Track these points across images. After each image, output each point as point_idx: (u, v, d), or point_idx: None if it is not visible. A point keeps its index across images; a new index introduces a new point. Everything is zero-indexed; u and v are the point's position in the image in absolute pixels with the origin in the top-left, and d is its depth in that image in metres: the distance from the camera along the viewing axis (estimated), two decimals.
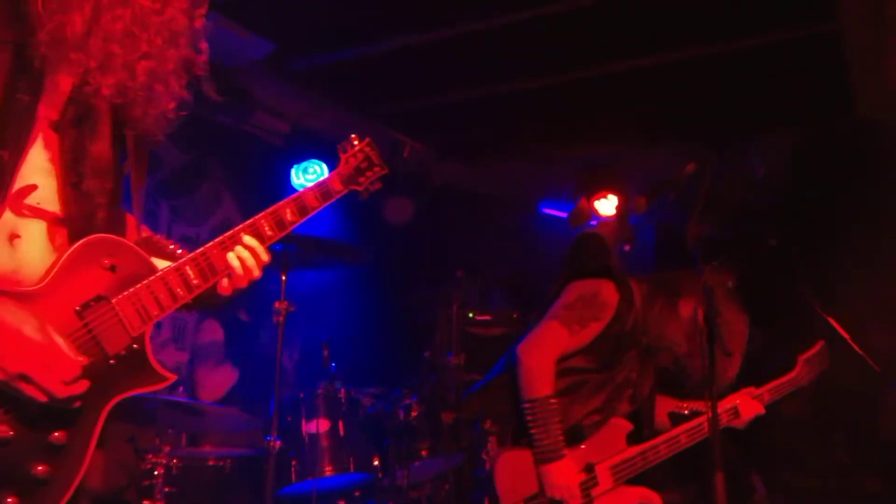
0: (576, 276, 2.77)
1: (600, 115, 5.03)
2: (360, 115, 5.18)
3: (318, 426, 3.59)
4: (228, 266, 1.51)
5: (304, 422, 3.62)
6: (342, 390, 3.72)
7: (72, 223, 1.36)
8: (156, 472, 3.44)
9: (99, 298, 1.35)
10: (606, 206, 5.33)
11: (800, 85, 4.57)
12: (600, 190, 5.33)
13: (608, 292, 2.70)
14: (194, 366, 4.73)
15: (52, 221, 1.35)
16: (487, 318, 4.39)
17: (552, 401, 2.51)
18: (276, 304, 3.55)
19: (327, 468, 3.51)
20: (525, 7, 3.99)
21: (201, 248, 1.50)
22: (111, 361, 1.36)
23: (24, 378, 1.22)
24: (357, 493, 3.79)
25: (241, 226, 1.56)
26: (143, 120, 1.45)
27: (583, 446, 2.56)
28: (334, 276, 4.93)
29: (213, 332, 4.76)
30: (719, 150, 4.66)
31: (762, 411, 2.94)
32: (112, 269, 1.37)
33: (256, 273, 1.57)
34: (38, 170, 1.33)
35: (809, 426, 4.69)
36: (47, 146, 1.34)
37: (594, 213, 5.38)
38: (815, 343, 3.07)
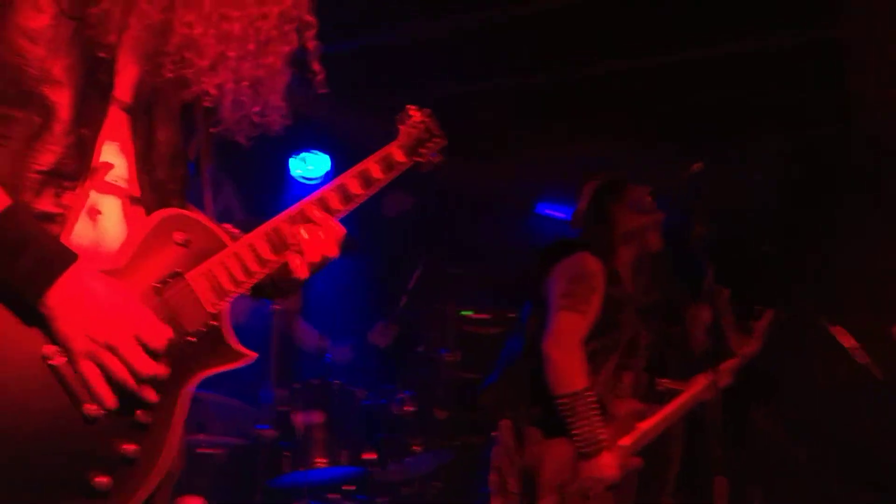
0: (553, 260, 2.81)
1: (599, 115, 5.04)
2: (361, 106, 5.16)
3: (311, 417, 3.59)
4: (299, 240, 1.46)
5: (298, 412, 3.62)
6: (336, 382, 3.72)
7: (149, 204, 1.36)
8: None
9: (175, 274, 1.32)
10: None
11: (800, 90, 4.60)
12: None
13: (589, 261, 2.76)
14: None
15: (130, 200, 1.35)
16: (485, 316, 4.40)
17: (589, 394, 2.55)
18: None
19: (320, 460, 3.51)
20: (526, 2, 4.01)
21: (271, 222, 1.45)
22: (190, 339, 1.31)
23: (110, 349, 1.19)
24: (348, 487, 3.78)
25: (308, 199, 1.51)
26: (228, 120, 1.44)
27: (611, 429, 2.63)
28: (329, 269, 4.91)
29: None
30: (719, 154, 4.69)
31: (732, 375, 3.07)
32: (185, 244, 1.34)
33: (332, 250, 1.50)
34: (112, 150, 1.34)
35: (807, 437, 4.72)
36: (119, 128, 1.35)
37: None
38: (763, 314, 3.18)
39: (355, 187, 1.55)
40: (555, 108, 5.04)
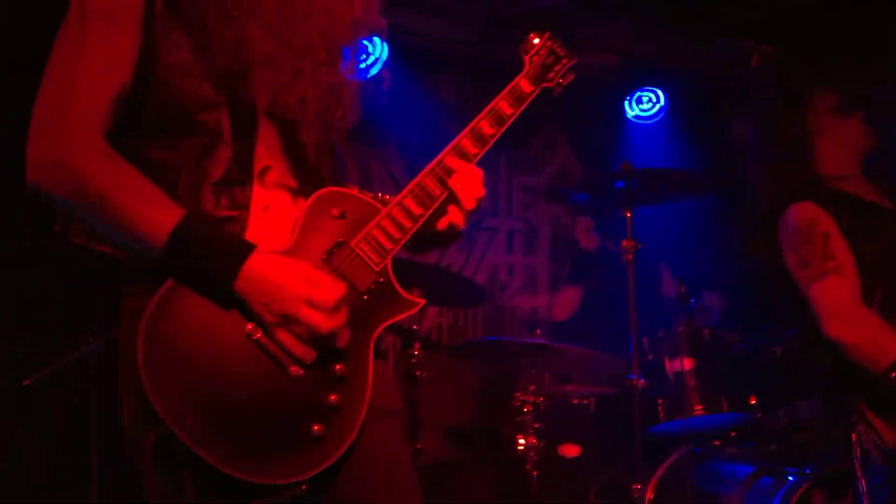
0: (773, 218, 2.39)
1: None
2: (690, 30, 4.80)
3: (682, 364, 3.46)
4: (446, 190, 1.57)
5: (667, 360, 3.51)
6: (705, 328, 3.54)
7: (307, 193, 1.51)
8: (525, 410, 3.60)
9: (339, 244, 1.48)
10: None
11: None
12: None
13: (795, 214, 2.32)
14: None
15: (293, 192, 1.52)
16: None
17: None
18: (624, 243, 3.49)
19: (697, 407, 3.38)
20: None
21: (415, 180, 1.57)
22: (364, 297, 1.48)
23: (291, 319, 1.36)
24: (733, 434, 3.59)
25: (445, 150, 1.60)
26: (318, 129, 1.56)
27: None
28: (683, 208, 4.67)
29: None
30: None
31: None
32: (342, 216, 1.50)
33: (480, 190, 1.60)
34: (267, 153, 1.50)
35: None
36: (268, 132, 1.51)
37: None
38: None
39: (487, 128, 1.62)
40: None
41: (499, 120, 1.64)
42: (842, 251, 2.27)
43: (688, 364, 3.45)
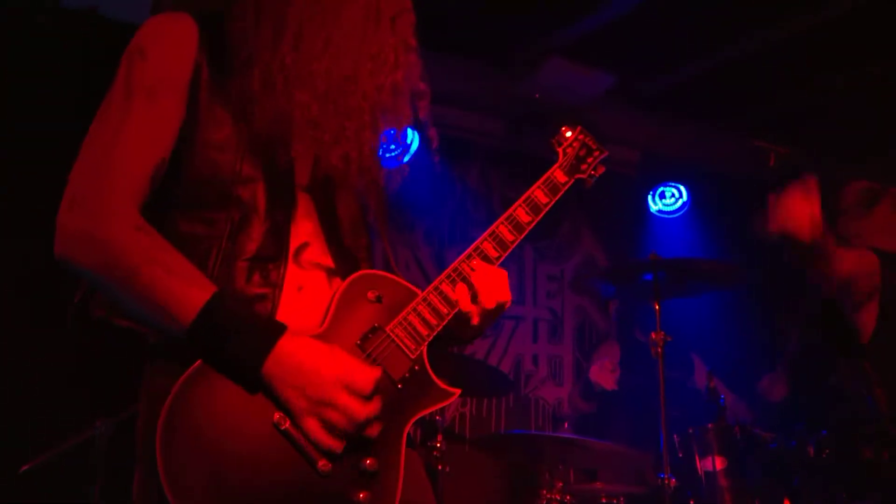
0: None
1: None
2: (711, 129, 4.88)
3: (713, 463, 3.32)
4: (472, 281, 1.52)
5: (697, 459, 3.38)
6: (736, 426, 3.40)
7: (343, 274, 1.47)
8: None
9: (374, 329, 1.42)
10: None
11: None
12: None
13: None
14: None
15: (328, 272, 1.47)
16: None
17: None
18: (652, 335, 3.42)
19: None
20: None
21: (453, 265, 1.52)
22: (399, 386, 1.41)
23: (326, 404, 1.28)
24: None
25: (481, 237, 1.57)
26: (358, 186, 1.54)
27: None
28: (711, 301, 4.60)
29: (610, 348, 4.80)
30: None
31: None
32: (378, 300, 1.45)
33: (502, 295, 1.52)
34: (304, 230, 1.46)
35: None
36: (306, 208, 1.48)
37: None
38: None
39: (523, 216, 1.61)
40: None
41: (534, 208, 1.62)
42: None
43: (719, 463, 3.32)
